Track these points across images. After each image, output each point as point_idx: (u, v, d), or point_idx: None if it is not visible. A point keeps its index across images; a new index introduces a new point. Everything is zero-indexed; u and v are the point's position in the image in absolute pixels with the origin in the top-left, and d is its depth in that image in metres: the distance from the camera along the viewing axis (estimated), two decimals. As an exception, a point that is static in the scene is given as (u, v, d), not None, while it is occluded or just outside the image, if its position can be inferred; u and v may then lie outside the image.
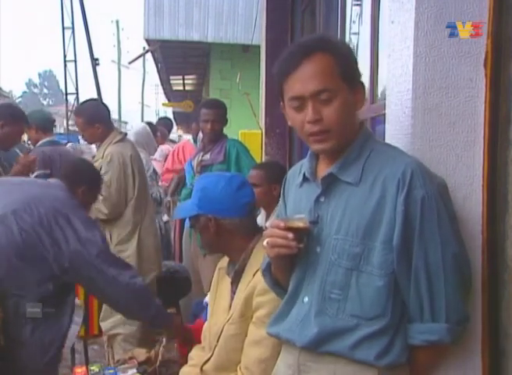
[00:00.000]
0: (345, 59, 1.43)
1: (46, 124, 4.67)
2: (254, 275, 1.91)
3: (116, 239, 3.41)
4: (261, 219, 3.36)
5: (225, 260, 2.13)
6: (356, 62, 1.48)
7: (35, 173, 4.30)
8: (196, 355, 2.16)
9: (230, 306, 2.02)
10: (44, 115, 4.87)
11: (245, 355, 1.90)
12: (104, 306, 3.46)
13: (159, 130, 6.19)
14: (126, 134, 3.68)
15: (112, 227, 3.42)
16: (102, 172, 3.37)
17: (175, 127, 18.61)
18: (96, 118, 3.54)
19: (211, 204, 1.98)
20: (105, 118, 3.61)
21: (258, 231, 2.03)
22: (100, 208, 3.37)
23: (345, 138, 1.44)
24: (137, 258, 3.41)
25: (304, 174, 1.53)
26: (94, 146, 7.40)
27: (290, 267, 1.53)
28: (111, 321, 3.42)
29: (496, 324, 1.51)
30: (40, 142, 4.58)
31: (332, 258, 1.42)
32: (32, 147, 4.94)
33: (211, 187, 2.00)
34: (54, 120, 4.99)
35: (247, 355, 1.89)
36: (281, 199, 1.67)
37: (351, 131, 1.46)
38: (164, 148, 6.07)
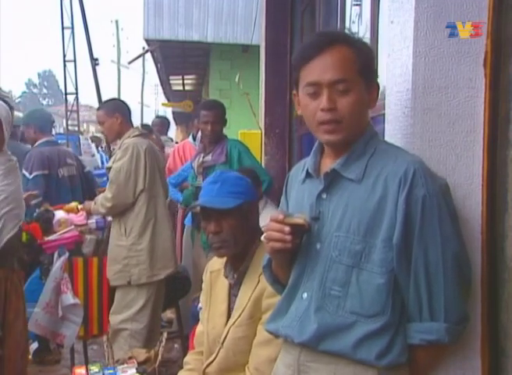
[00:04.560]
0: (365, 56, 1.45)
1: (45, 125, 4.64)
2: (259, 276, 1.90)
3: (130, 232, 3.43)
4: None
5: (216, 263, 2.12)
6: (374, 62, 1.50)
7: (33, 174, 4.31)
8: (192, 359, 2.17)
9: (229, 309, 2.02)
10: (43, 115, 4.84)
11: (255, 355, 1.90)
12: (118, 300, 3.50)
13: (154, 134, 6.16)
14: (145, 133, 3.73)
15: (126, 220, 3.44)
16: (116, 159, 3.44)
17: (174, 127, 18.63)
18: (116, 108, 3.58)
19: (253, 191, 2.09)
20: (125, 113, 3.64)
21: (261, 233, 2.03)
22: (105, 194, 3.41)
23: (353, 133, 1.45)
24: (150, 252, 3.42)
25: (307, 170, 1.53)
26: (93, 145, 7.45)
27: (290, 264, 1.53)
28: (121, 316, 3.44)
29: (495, 324, 1.51)
30: (38, 142, 4.56)
31: (332, 255, 1.42)
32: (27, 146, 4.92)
33: (245, 178, 2.09)
34: (53, 121, 4.98)
35: (257, 355, 1.89)
36: (283, 197, 1.67)
37: (360, 128, 1.46)
38: None
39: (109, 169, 3.55)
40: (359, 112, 1.44)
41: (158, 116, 8.82)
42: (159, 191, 3.54)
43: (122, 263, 3.43)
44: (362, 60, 1.44)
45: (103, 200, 3.45)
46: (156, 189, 3.51)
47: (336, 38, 1.45)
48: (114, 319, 3.48)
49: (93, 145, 6.97)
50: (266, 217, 2.11)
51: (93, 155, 5.68)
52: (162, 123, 7.22)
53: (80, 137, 9.72)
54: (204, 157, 4.00)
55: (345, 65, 1.41)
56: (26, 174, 4.28)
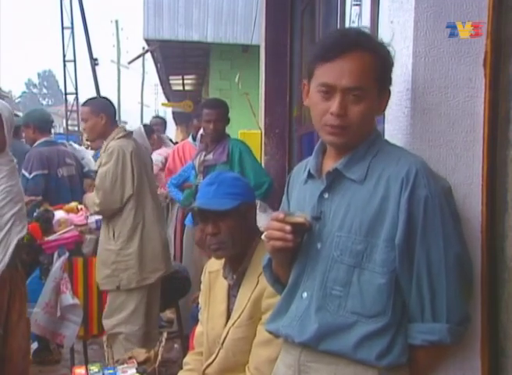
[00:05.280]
0: (384, 64, 1.43)
1: (44, 124, 4.63)
2: (258, 277, 1.90)
3: (118, 237, 3.38)
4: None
5: (215, 264, 2.11)
6: (391, 69, 1.47)
7: (33, 174, 4.32)
8: (191, 359, 2.17)
9: (229, 310, 2.01)
10: (42, 115, 4.81)
11: (255, 355, 1.90)
12: (108, 304, 3.47)
13: (156, 134, 6.14)
14: (131, 132, 3.63)
15: (114, 225, 3.40)
16: (102, 164, 3.37)
17: (174, 127, 18.62)
18: (102, 108, 3.49)
19: (251, 192, 2.08)
20: (111, 112, 3.55)
21: (259, 233, 2.02)
22: (93, 198, 3.36)
23: (357, 138, 1.44)
24: (139, 256, 3.37)
25: (309, 171, 1.53)
26: (83, 148, 7.47)
27: (291, 263, 1.53)
28: (113, 320, 3.41)
29: (495, 324, 1.51)
30: (37, 142, 4.55)
31: (334, 255, 1.42)
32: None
33: (242, 179, 2.09)
34: (52, 121, 4.94)
35: (258, 355, 1.89)
36: (284, 196, 1.67)
37: (365, 132, 1.46)
38: (161, 151, 5.99)
39: (96, 172, 3.49)
40: (367, 120, 1.44)
41: (155, 116, 8.84)
42: (147, 194, 3.47)
43: (111, 268, 3.37)
44: (381, 68, 1.42)
45: (92, 203, 3.39)
46: (144, 192, 3.44)
47: (359, 42, 1.42)
48: (107, 323, 3.44)
49: (82, 148, 6.99)
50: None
51: (82, 159, 5.68)
52: (161, 123, 7.24)
53: (66, 142, 9.73)
54: (205, 155, 3.98)
55: (363, 72, 1.39)
56: (26, 174, 4.27)
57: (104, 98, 3.94)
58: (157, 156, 5.73)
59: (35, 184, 4.27)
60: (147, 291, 3.45)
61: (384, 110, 1.51)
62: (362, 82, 1.39)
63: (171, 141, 7.29)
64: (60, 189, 4.52)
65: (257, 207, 3.57)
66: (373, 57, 1.41)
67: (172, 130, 16.97)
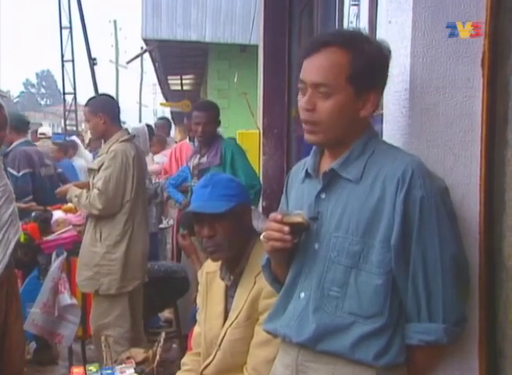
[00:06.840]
0: (364, 64, 1.39)
1: (19, 125, 4.64)
2: (255, 277, 1.90)
3: (105, 239, 3.32)
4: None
5: (212, 265, 2.10)
6: (381, 70, 1.43)
7: (22, 172, 4.33)
8: (189, 360, 2.16)
9: (226, 310, 2.01)
10: (17, 116, 4.87)
11: (253, 355, 1.90)
12: (93, 309, 3.44)
13: (157, 136, 6.12)
14: (134, 136, 3.59)
15: (102, 226, 3.33)
16: (104, 167, 3.32)
17: (173, 126, 18.60)
18: (100, 108, 3.42)
19: (246, 193, 2.08)
20: (111, 112, 3.47)
21: (255, 234, 2.02)
22: (94, 202, 3.27)
23: (335, 137, 1.43)
24: (123, 262, 3.31)
25: (307, 170, 1.53)
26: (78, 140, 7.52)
27: (289, 263, 1.53)
28: (99, 324, 3.38)
29: (493, 325, 1.51)
30: (14, 143, 4.59)
31: (331, 256, 1.42)
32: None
33: (236, 180, 2.11)
34: (28, 122, 5.06)
35: (255, 356, 1.89)
36: (283, 196, 1.67)
37: (347, 132, 1.44)
38: (166, 153, 5.95)
39: (91, 170, 3.45)
40: (338, 118, 1.41)
41: (161, 117, 8.84)
42: (140, 201, 3.43)
43: (93, 270, 3.31)
44: (358, 68, 1.38)
45: (90, 207, 3.31)
46: (138, 198, 3.40)
47: (332, 40, 1.41)
48: (95, 327, 3.41)
49: (80, 146, 7.07)
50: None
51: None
52: (166, 124, 7.24)
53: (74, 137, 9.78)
54: (199, 158, 3.96)
55: (331, 69, 1.38)
56: (14, 172, 4.25)
57: (105, 95, 3.86)
58: (163, 158, 5.74)
59: (24, 182, 4.29)
60: (129, 296, 3.41)
61: (372, 112, 1.46)
62: (327, 79, 1.38)
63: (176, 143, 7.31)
64: (43, 188, 4.50)
65: None
66: (347, 55, 1.38)
67: (171, 130, 16.95)
